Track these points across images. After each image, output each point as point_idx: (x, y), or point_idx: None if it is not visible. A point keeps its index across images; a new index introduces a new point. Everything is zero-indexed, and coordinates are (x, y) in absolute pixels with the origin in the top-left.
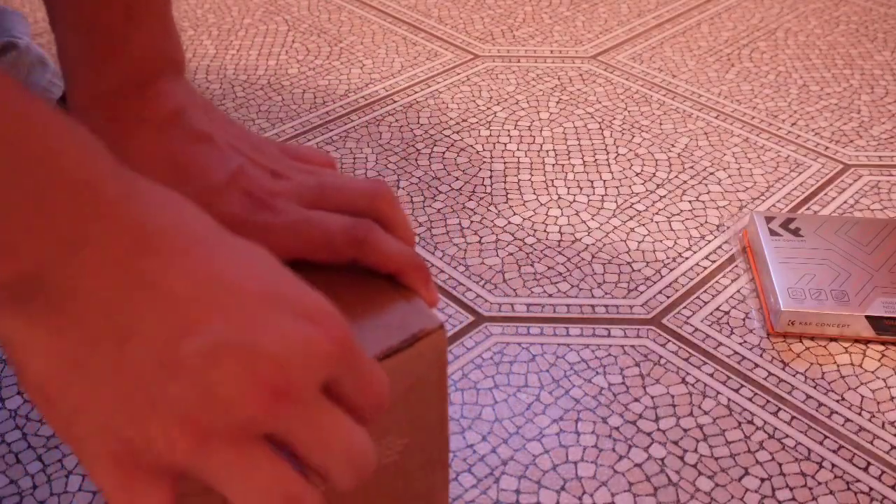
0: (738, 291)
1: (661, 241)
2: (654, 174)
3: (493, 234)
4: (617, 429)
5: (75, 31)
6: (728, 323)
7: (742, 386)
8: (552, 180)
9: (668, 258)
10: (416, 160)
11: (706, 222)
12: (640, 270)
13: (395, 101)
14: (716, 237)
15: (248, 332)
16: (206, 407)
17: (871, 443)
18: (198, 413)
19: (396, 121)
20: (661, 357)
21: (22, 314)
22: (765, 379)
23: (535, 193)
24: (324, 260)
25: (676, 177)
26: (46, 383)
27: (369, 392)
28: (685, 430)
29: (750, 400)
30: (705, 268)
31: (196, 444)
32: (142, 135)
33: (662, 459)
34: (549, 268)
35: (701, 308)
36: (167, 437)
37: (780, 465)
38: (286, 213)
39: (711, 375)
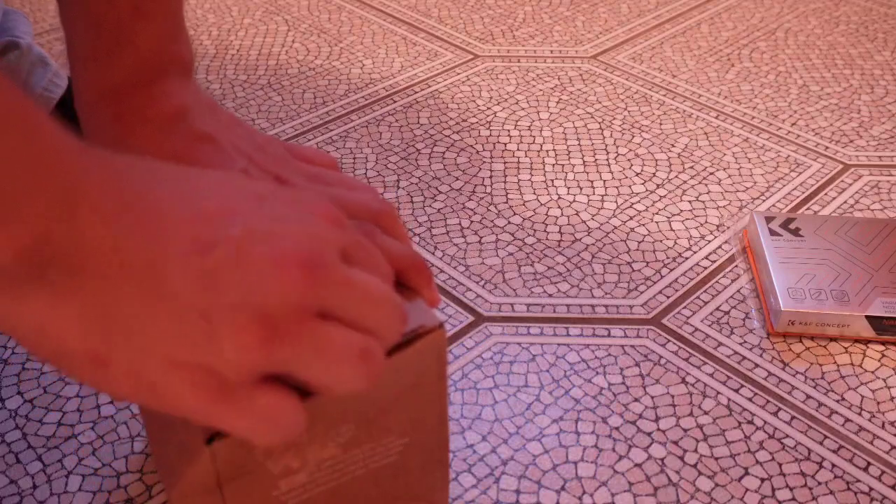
0: (739, 291)
1: (661, 241)
2: (654, 174)
3: (493, 234)
4: (617, 429)
5: (84, 26)
6: (728, 323)
7: (742, 386)
8: (552, 180)
9: (668, 258)
10: (416, 160)
11: (706, 222)
12: (640, 270)
13: (395, 101)
14: (716, 237)
15: (263, 223)
16: (256, 298)
17: (871, 443)
18: (251, 308)
19: (396, 121)
20: (661, 357)
21: (45, 288)
22: (765, 379)
23: (535, 193)
24: None
25: (676, 177)
26: (93, 349)
27: (378, 260)
28: (685, 430)
29: (750, 400)
30: (705, 268)
31: (265, 337)
32: (144, 134)
33: (662, 459)
34: (549, 268)
35: (701, 308)
36: (235, 342)
37: (780, 465)
38: (271, 220)
39: (711, 375)
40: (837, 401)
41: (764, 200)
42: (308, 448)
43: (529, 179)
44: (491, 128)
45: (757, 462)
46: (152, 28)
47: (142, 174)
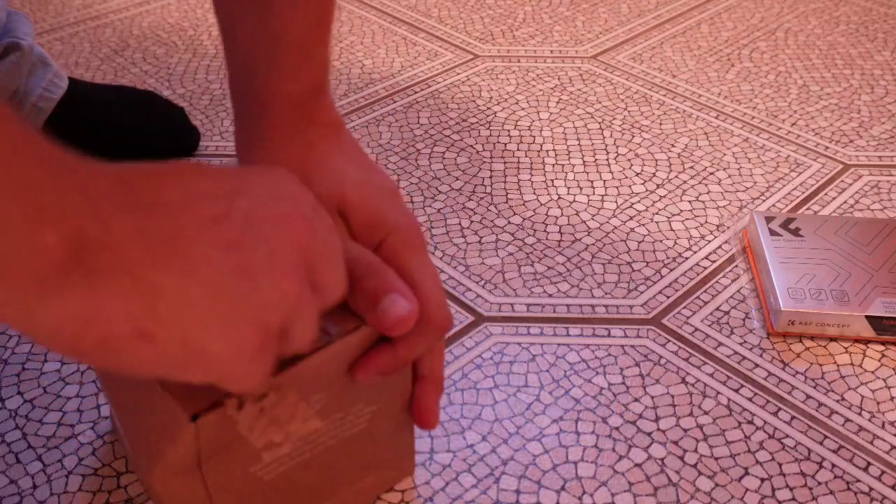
0: (739, 291)
1: (661, 241)
2: (654, 174)
3: (493, 234)
4: (617, 429)
5: (262, 38)
6: (728, 323)
7: (742, 386)
8: (552, 180)
9: (668, 258)
10: (416, 160)
11: (706, 222)
12: (640, 270)
13: (395, 101)
14: (716, 237)
15: (262, 198)
16: (280, 249)
17: (871, 443)
18: (280, 257)
19: (396, 121)
20: (661, 357)
21: (88, 278)
22: (765, 379)
23: (535, 193)
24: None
25: (676, 177)
26: (140, 327)
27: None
28: (685, 430)
29: (750, 400)
30: (705, 268)
31: (301, 277)
32: (328, 134)
33: (662, 459)
34: (549, 268)
35: (701, 308)
36: (281, 287)
37: (780, 465)
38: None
39: (711, 375)
40: (837, 401)
41: (764, 200)
42: (291, 421)
43: (529, 179)
44: (491, 128)
45: (757, 462)
46: (328, 40)
47: (140, 174)
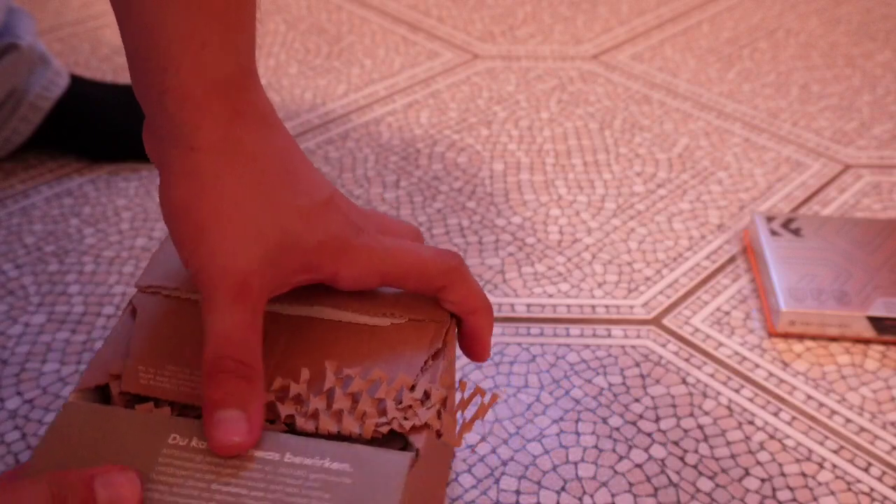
0: (739, 292)
1: (661, 241)
2: (654, 174)
3: (493, 234)
4: (617, 429)
5: (183, 11)
6: (729, 323)
7: (743, 386)
8: (552, 180)
9: (668, 258)
10: (416, 160)
11: (707, 222)
12: (640, 270)
13: (395, 101)
14: (716, 237)
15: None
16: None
17: (872, 443)
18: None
19: (396, 121)
20: (661, 357)
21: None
22: (765, 379)
23: (535, 193)
24: (414, 288)
25: (677, 177)
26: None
27: None
28: (686, 431)
29: (750, 400)
30: (706, 268)
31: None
32: (260, 130)
33: (663, 460)
34: (549, 268)
35: (701, 308)
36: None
37: (780, 465)
38: (382, 240)
39: (712, 376)
40: (838, 401)
41: (765, 200)
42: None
43: (529, 179)
44: (491, 128)
45: (757, 463)
46: (253, 12)
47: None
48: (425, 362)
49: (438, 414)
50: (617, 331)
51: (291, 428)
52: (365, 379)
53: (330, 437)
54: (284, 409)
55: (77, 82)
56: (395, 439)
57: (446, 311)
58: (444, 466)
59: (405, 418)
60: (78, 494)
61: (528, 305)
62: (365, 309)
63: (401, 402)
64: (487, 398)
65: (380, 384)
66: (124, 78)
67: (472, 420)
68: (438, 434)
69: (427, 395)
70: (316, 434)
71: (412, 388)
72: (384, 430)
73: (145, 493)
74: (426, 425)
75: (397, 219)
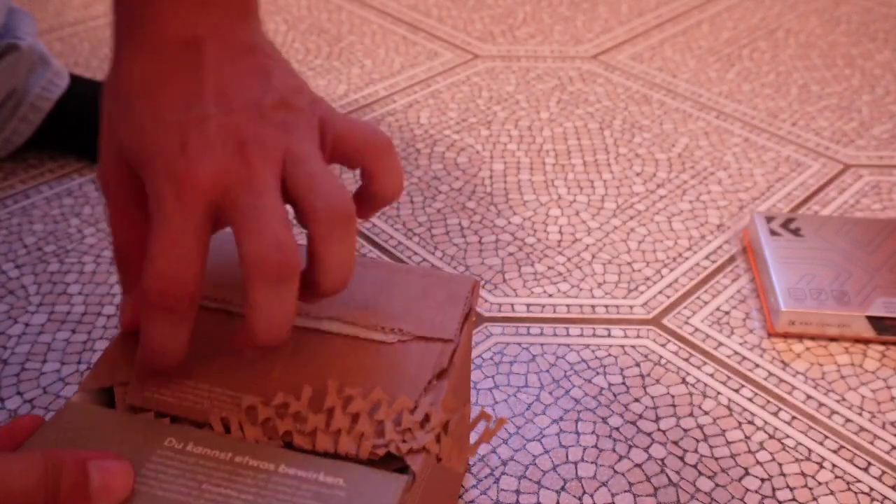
0: (739, 291)
1: (661, 241)
2: (654, 174)
3: (493, 234)
4: (617, 429)
5: None
6: (728, 323)
7: (742, 386)
8: (552, 180)
9: (668, 258)
10: (416, 160)
11: (706, 222)
12: (640, 270)
13: (395, 101)
14: (716, 237)
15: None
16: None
17: (872, 443)
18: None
19: (396, 121)
20: (661, 357)
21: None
22: (765, 379)
23: (535, 193)
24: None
25: (677, 177)
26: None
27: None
28: (685, 431)
29: (750, 400)
30: (706, 268)
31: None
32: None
33: (663, 460)
34: (549, 268)
35: (701, 308)
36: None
37: (780, 465)
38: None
39: (712, 376)
40: (838, 401)
41: (764, 200)
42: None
43: (529, 179)
44: (491, 128)
45: (757, 462)
46: None
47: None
48: (429, 382)
49: (438, 438)
50: (617, 331)
51: (289, 445)
52: (366, 399)
53: (326, 455)
54: (283, 426)
55: (77, 82)
56: (394, 460)
57: (455, 329)
58: (449, 485)
59: (403, 441)
60: (71, 474)
61: (528, 305)
62: (372, 325)
63: (400, 424)
64: (493, 423)
65: (380, 405)
66: None
67: (477, 445)
68: (438, 458)
69: (427, 418)
70: (313, 452)
71: (413, 410)
72: (381, 451)
73: (135, 486)
74: (424, 449)
75: (367, 126)
